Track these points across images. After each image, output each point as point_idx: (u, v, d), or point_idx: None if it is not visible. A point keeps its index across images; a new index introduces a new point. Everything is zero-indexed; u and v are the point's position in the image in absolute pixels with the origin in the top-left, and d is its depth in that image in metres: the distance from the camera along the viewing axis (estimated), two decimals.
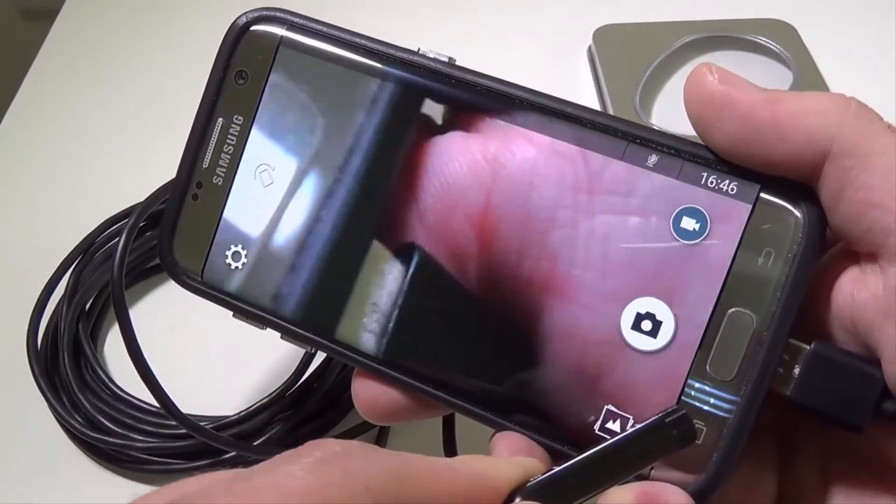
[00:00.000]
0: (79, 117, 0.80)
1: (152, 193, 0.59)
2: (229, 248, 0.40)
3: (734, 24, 0.78)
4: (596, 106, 0.77)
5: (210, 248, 0.40)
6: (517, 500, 0.30)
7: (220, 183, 0.40)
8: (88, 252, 0.65)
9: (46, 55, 0.86)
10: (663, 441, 0.32)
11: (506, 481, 0.31)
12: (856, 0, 0.84)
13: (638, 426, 0.32)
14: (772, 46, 0.76)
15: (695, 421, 0.33)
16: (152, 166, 0.61)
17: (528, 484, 0.31)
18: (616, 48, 0.79)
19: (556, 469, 0.31)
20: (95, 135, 0.79)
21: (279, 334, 0.40)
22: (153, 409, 0.56)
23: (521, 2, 0.88)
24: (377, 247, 0.38)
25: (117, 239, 0.54)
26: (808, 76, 0.74)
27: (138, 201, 0.59)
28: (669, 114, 0.74)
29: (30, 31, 0.94)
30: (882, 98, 0.72)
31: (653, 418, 0.33)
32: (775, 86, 0.71)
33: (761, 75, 0.75)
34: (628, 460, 0.32)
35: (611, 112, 0.73)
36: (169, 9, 0.90)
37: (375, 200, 0.38)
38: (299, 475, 0.26)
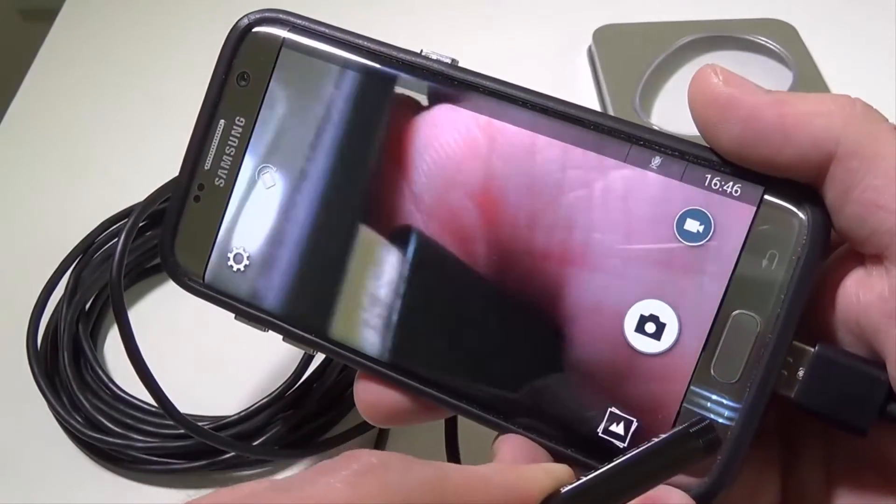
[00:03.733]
0: (79, 117, 0.80)
1: (152, 193, 0.59)
2: (231, 251, 0.40)
3: (734, 24, 0.78)
4: (596, 106, 0.77)
5: (212, 250, 0.40)
6: None
7: (222, 185, 0.40)
8: (88, 252, 0.64)
9: (46, 55, 0.86)
10: (689, 450, 0.32)
11: (537, 491, 0.31)
12: (856, 0, 0.84)
13: (664, 436, 0.32)
14: (772, 46, 0.76)
15: None
16: (152, 166, 0.61)
17: (561, 493, 0.31)
18: (616, 48, 0.78)
19: (585, 479, 0.31)
20: (95, 135, 0.79)
21: (281, 337, 0.40)
22: (153, 409, 0.56)
23: (521, 2, 0.88)
24: (381, 248, 0.38)
25: (116, 239, 0.54)
26: (808, 76, 0.74)
27: (138, 201, 0.59)
28: (669, 114, 0.74)
29: (30, 31, 0.94)
30: (882, 98, 0.71)
31: (678, 428, 0.33)
32: (775, 86, 0.71)
33: (761, 75, 0.74)
34: (655, 470, 0.32)
35: (611, 112, 0.73)
36: (169, 9, 0.90)
37: (379, 202, 0.38)
38: (339, 487, 0.27)
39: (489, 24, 0.86)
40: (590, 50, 0.80)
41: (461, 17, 0.87)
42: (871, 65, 0.78)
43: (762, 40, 0.77)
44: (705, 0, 0.83)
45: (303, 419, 0.57)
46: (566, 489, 0.31)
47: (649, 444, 0.32)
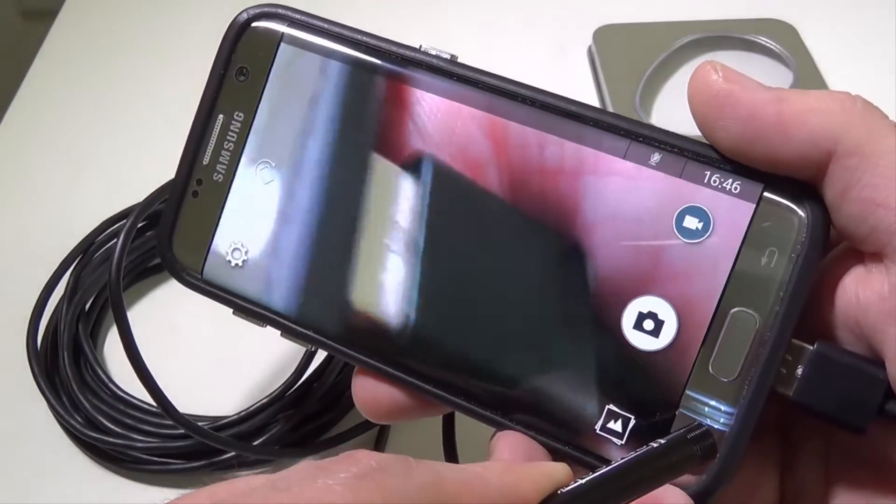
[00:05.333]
0: (78, 117, 0.80)
1: (151, 194, 0.59)
2: (229, 246, 0.40)
3: (734, 24, 0.78)
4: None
5: (210, 246, 0.40)
6: None
7: (220, 180, 0.40)
8: (88, 252, 0.64)
9: (46, 55, 0.86)
10: (685, 456, 0.32)
11: (535, 493, 0.31)
12: (856, 0, 0.84)
13: (662, 441, 0.32)
14: (772, 46, 0.76)
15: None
16: (152, 166, 0.61)
17: (558, 495, 0.31)
18: (616, 48, 0.79)
19: (582, 482, 0.31)
20: (95, 134, 0.79)
21: (279, 332, 0.40)
22: (153, 409, 0.56)
23: (522, 1, 0.88)
24: (380, 243, 0.38)
25: (116, 240, 0.54)
26: (808, 76, 0.74)
27: (138, 201, 0.59)
28: (670, 114, 0.74)
29: (30, 31, 0.94)
30: (882, 98, 0.71)
31: (676, 433, 0.33)
32: (775, 86, 0.71)
33: (761, 75, 0.74)
34: (650, 475, 0.32)
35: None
36: (168, 8, 0.90)
37: (378, 199, 0.38)
38: (338, 490, 0.27)
39: (489, 23, 0.86)
40: (590, 50, 0.80)
41: (461, 16, 0.87)
42: (871, 65, 0.78)
43: (762, 40, 0.77)
44: (705, 0, 0.83)
45: (303, 419, 0.57)
46: (563, 491, 0.31)
47: (647, 449, 0.32)
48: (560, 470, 0.32)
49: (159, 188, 0.59)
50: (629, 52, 0.78)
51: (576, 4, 0.86)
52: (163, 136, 0.70)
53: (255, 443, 0.55)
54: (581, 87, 0.78)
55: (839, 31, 0.81)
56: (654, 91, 0.76)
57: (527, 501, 0.30)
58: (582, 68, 0.80)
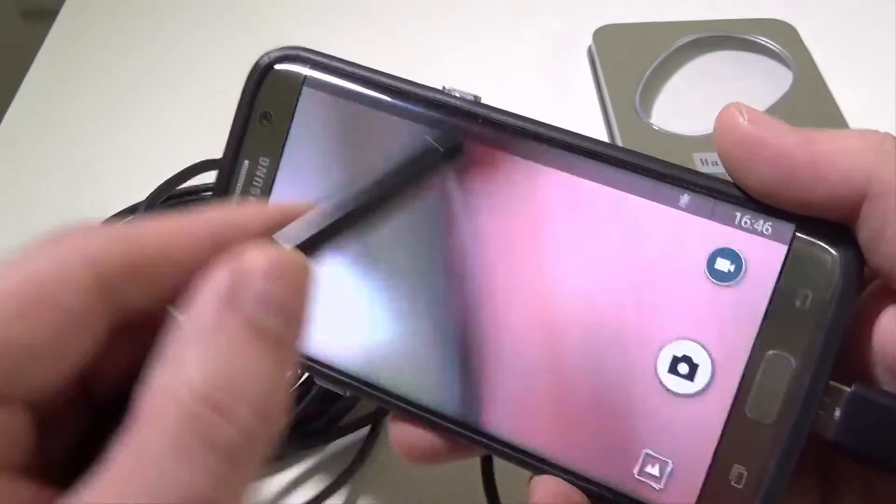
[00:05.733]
0: (78, 117, 0.80)
1: (152, 193, 0.59)
2: None
3: (734, 24, 0.78)
4: (596, 106, 0.77)
5: None
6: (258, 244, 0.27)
7: None
8: None
9: (46, 55, 0.86)
10: (428, 160, 0.31)
11: (257, 222, 0.29)
12: (856, 0, 0.84)
13: (409, 155, 0.31)
14: (772, 46, 0.76)
15: (735, 465, 0.33)
16: (152, 166, 0.61)
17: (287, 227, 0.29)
18: (616, 48, 0.78)
19: (315, 213, 0.30)
20: (95, 135, 0.78)
21: (310, 375, 0.40)
22: None
23: (521, 2, 0.88)
24: (406, 285, 0.38)
25: None
26: (808, 76, 0.74)
27: (139, 201, 0.59)
28: (670, 114, 0.73)
29: (30, 31, 0.93)
30: (882, 98, 0.72)
31: (425, 146, 0.31)
32: (775, 86, 0.71)
33: (761, 75, 0.75)
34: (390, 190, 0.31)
35: (611, 112, 0.73)
36: (168, 10, 0.89)
37: (407, 240, 0.38)
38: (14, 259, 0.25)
39: (489, 24, 0.86)
40: (590, 50, 0.80)
41: (461, 17, 0.87)
42: (871, 65, 0.78)
43: (762, 40, 0.77)
44: (705, 0, 0.83)
45: (303, 419, 0.57)
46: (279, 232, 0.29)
47: (396, 165, 0.31)
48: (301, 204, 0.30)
49: (159, 187, 0.59)
50: (629, 53, 0.78)
51: (576, 5, 0.86)
52: (163, 135, 0.70)
53: None
54: (581, 88, 0.78)
55: (839, 31, 0.81)
56: (655, 91, 0.76)
57: (245, 230, 0.28)
58: (582, 68, 0.80)
